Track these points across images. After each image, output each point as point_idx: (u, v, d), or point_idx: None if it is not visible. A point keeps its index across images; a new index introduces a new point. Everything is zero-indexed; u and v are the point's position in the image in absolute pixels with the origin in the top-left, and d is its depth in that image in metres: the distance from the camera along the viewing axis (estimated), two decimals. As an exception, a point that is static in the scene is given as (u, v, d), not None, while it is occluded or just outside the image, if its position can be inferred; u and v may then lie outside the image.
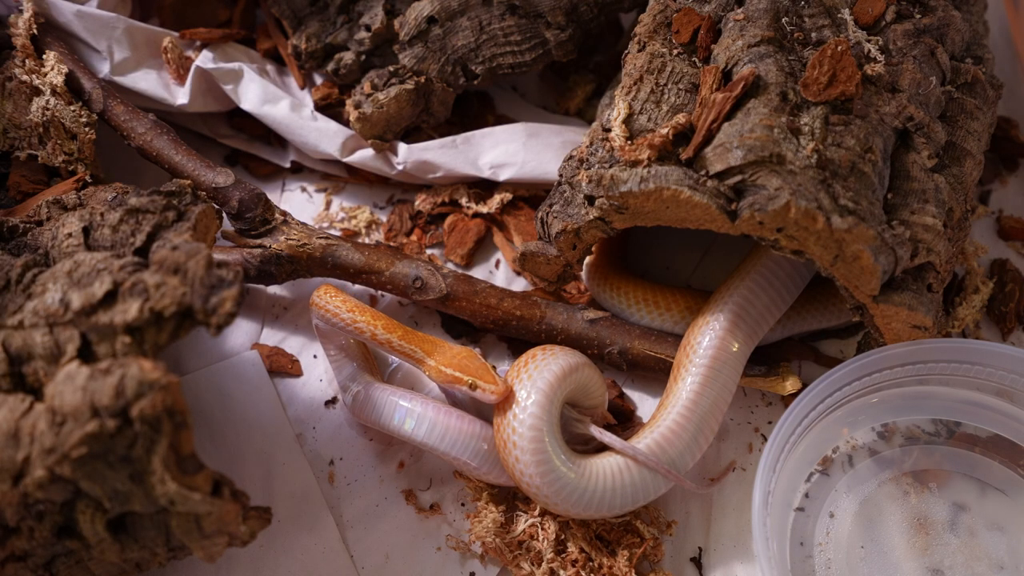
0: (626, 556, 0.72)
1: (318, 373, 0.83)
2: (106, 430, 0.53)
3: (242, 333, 0.85)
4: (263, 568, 0.74)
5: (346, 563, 0.75)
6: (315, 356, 0.84)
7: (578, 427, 0.72)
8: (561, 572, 0.72)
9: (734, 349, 0.72)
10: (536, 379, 0.69)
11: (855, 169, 0.67)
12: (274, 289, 0.87)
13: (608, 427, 0.74)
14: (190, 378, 0.82)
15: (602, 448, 0.72)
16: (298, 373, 0.83)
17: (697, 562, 0.75)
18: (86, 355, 0.56)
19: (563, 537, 0.73)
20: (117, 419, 0.53)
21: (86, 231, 0.64)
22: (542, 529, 0.73)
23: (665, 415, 0.71)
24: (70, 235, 0.64)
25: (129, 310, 0.56)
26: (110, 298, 0.57)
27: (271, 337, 0.85)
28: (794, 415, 0.70)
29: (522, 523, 0.74)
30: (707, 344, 0.72)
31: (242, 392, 0.81)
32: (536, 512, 0.74)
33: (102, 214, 0.65)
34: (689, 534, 0.75)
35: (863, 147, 0.68)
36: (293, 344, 0.85)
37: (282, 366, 0.83)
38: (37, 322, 0.57)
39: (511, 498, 0.76)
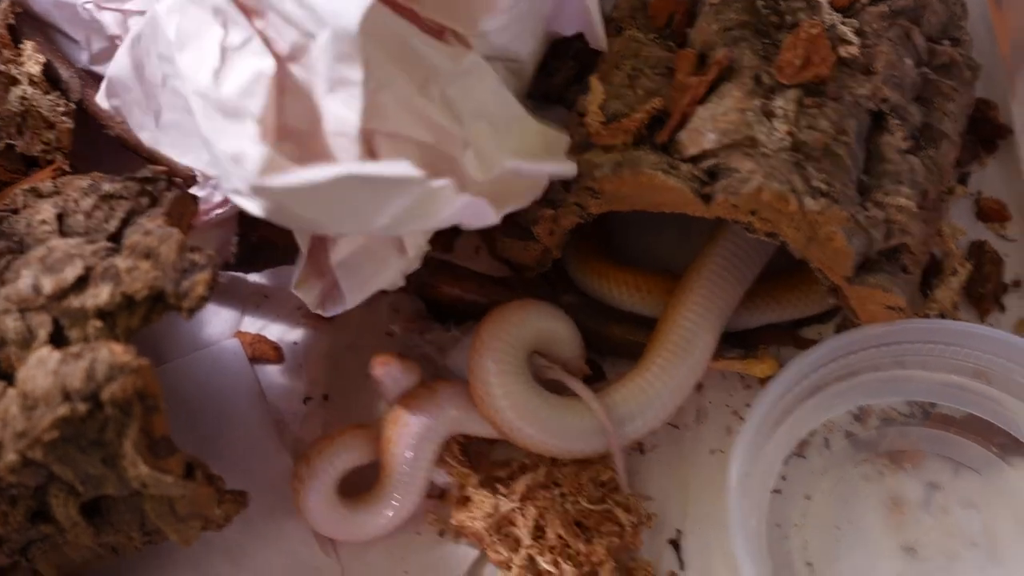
0: (604, 544, 0.73)
1: (299, 360, 0.84)
2: (77, 414, 0.53)
3: (222, 321, 0.85)
4: (241, 553, 0.74)
5: (326, 548, 0.75)
6: (295, 343, 0.84)
7: (548, 373, 0.74)
8: (539, 558, 0.72)
9: (704, 326, 0.73)
10: (492, 329, 0.73)
11: (828, 151, 0.67)
12: (254, 277, 0.87)
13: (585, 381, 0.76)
14: (170, 367, 0.82)
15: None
16: (280, 360, 0.84)
17: (675, 544, 0.75)
18: (58, 340, 0.57)
19: (542, 523, 0.74)
20: (88, 403, 0.53)
21: (60, 218, 0.64)
22: (521, 514, 0.74)
23: (628, 378, 0.74)
24: (44, 222, 0.64)
25: (100, 294, 0.56)
26: (82, 283, 0.57)
27: (252, 325, 0.85)
28: (770, 397, 0.70)
29: (501, 508, 0.74)
30: (679, 320, 0.73)
31: (222, 380, 0.82)
32: (516, 497, 0.74)
33: (76, 201, 0.65)
34: (667, 516, 0.76)
35: (837, 129, 0.68)
36: (274, 331, 0.85)
37: (264, 353, 0.83)
38: (9, 308, 0.57)
39: (492, 482, 0.76)
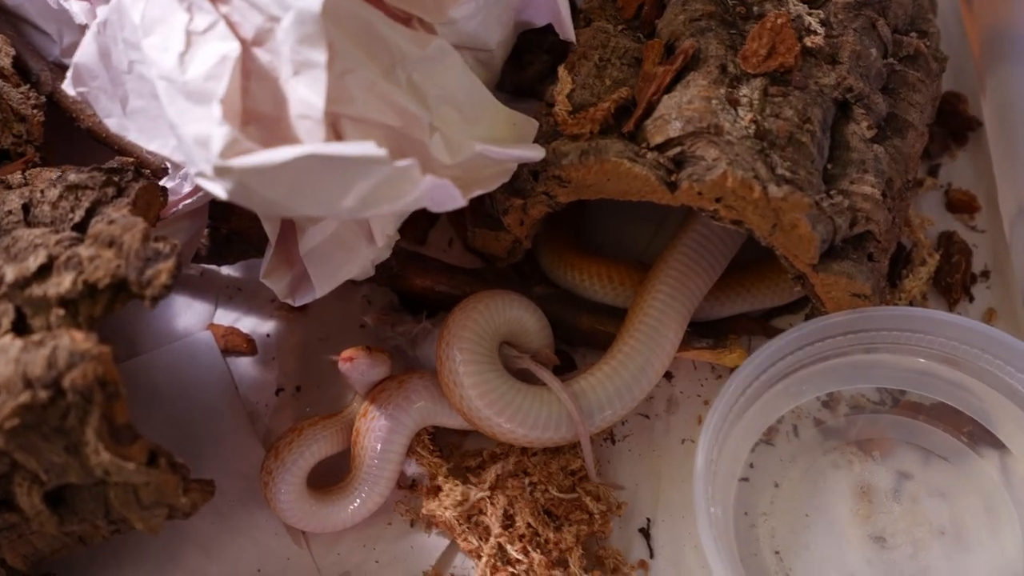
0: (573, 532, 0.73)
1: (272, 352, 0.84)
2: (38, 401, 0.53)
3: (195, 314, 0.85)
4: (214, 545, 0.74)
5: (297, 539, 0.75)
6: (268, 335, 0.84)
7: (517, 363, 0.75)
8: (508, 546, 0.72)
9: (671, 314, 0.74)
10: (459, 319, 0.73)
11: (793, 139, 0.67)
12: (227, 270, 0.87)
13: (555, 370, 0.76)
14: (143, 359, 0.82)
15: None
16: (252, 352, 0.84)
17: (645, 533, 0.75)
18: (21, 328, 0.57)
19: (511, 512, 0.74)
20: (49, 390, 0.53)
21: (26, 208, 0.64)
22: (491, 504, 0.74)
23: (596, 367, 0.74)
24: (10, 212, 0.64)
25: (63, 283, 0.56)
26: (44, 271, 0.57)
27: (225, 317, 0.85)
28: (736, 384, 0.70)
29: (472, 497, 0.74)
30: (645, 309, 0.74)
31: (195, 372, 0.82)
32: (486, 486, 0.74)
33: (42, 191, 0.65)
34: (637, 505, 0.76)
35: (801, 118, 0.68)
36: (247, 323, 0.85)
37: (237, 345, 0.84)
38: (-28, 297, 0.57)
39: (462, 471, 0.76)
